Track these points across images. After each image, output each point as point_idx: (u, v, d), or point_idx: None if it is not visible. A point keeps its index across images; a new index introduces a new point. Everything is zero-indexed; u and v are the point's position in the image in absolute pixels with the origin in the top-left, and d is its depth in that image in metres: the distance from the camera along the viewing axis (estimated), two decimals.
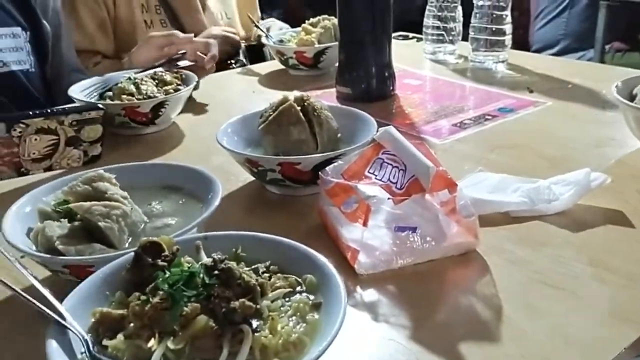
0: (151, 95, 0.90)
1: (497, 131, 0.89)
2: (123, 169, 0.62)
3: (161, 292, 0.40)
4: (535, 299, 0.52)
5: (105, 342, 0.40)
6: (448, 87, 1.12)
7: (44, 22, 1.15)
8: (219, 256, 0.42)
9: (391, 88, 1.05)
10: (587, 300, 0.51)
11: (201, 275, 0.41)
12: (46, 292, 0.42)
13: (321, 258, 0.46)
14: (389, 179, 0.58)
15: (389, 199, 0.55)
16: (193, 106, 1.05)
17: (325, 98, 0.98)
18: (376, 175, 0.60)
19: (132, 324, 0.40)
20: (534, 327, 0.48)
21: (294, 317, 0.42)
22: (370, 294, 0.53)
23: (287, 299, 0.44)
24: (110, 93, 0.92)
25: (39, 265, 0.52)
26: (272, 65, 1.31)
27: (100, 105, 0.77)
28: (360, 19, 0.99)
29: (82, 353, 0.39)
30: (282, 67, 1.26)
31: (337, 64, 1.19)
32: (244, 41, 1.44)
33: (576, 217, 0.63)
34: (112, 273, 0.46)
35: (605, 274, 0.54)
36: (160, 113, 0.91)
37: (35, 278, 0.44)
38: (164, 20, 1.38)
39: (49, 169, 0.72)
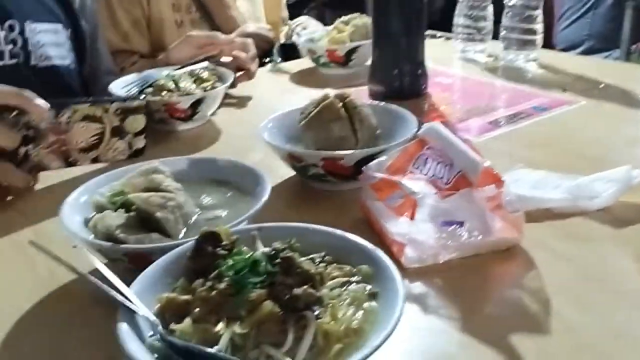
0: (190, 92, 0.92)
1: (532, 130, 0.89)
2: (173, 162, 0.64)
3: (226, 279, 0.41)
4: (582, 294, 0.52)
5: (172, 326, 0.41)
6: (479, 85, 1.13)
7: (83, 22, 1.17)
8: (280, 245, 0.44)
9: (424, 86, 1.06)
10: (632, 294, 0.52)
11: (263, 263, 0.42)
12: (114, 278, 0.43)
13: (375, 249, 0.47)
14: (434, 174, 0.59)
15: (435, 193, 0.56)
16: (227, 103, 1.07)
17: (357, 96, 0.99)
18: (420, 170, 0.61)
19: (197, 309, 0.41)
20: (583, 321, 0.49)
21: (352, 306, 0.43)
22: (418, 287, 0.54)
23: (343, 288, 0.45)
24: (150, 89, 0.94)
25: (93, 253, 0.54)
26: (303, 63, 1.32)
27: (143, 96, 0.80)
28: (395, 17, 1.00)
29: (150, 336, 0.41)
30: (313, 65, 1.27)
31: (367, 63, 1.20)
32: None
33: (618, 214, 0.64)
34: (173, 261, 0.47)
35: None
36: (198, 110, 0.93)
37: (102, 265, 0.46)
38: (195, 20, 1.40)
39: (95, 160, 0.75)
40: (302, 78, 1.23)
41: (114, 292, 0.42)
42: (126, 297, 0.42)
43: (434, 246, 0.56)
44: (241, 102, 1.10)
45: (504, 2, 1.19)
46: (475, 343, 0.47)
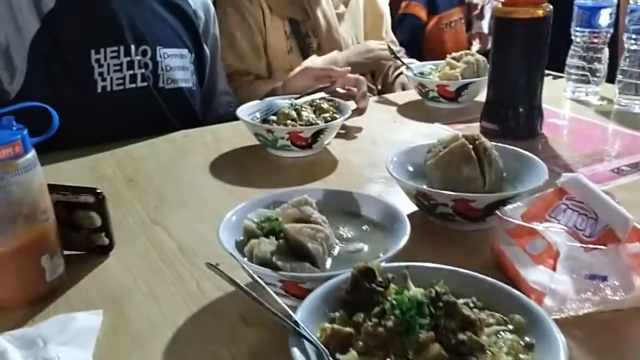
0: (312, 122, 0.97)
1: None
2: (310, 193, 0.67)
3: (393, 317, 0.44)
4: None
5: (338, 355, 0.44)
6: (594, 129, 1.11)
7: (205, 47, 1.25)
8: (441, 289, 0.46)
9: (539, 127, 1.06)
10: None
11: (427, 305, 0.44)
12: (283, 304, 0.47)
13: (529, 300, 0.48)
14: (573, 225, 0.60)
15: (580, 246, 0.56)
16: (339, 132, 1.11)
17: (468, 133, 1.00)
18: (558, 220, 0.61)
19: (362, 343, 0.44)
20: None
21: (509, 356, 0.44)
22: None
23: (499, 337, 0.46)
24: (273, 117, 0.99)
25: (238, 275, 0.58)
26: (408, 95, 1.35)
27: (99, 191, 0.67)
28: (516, 56, 1.01)
29: None
30: (418, 97, 1.29)
31: (476, 99, 1.21)
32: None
33: None
34: (330, 292, 0.50)
35: None
36: (319, 139, 0.97)
37: (267, 288, 0.49)
38: (302, 47, 1.46)
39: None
40: (409, 111, 1.26)
41: (283, 318, 0.45)
42: (295, 322, 0.45)
43: (574, 298, 0.56)
44: (352, 132, 1.13)
45: (625, 45, 1.17)
46: None
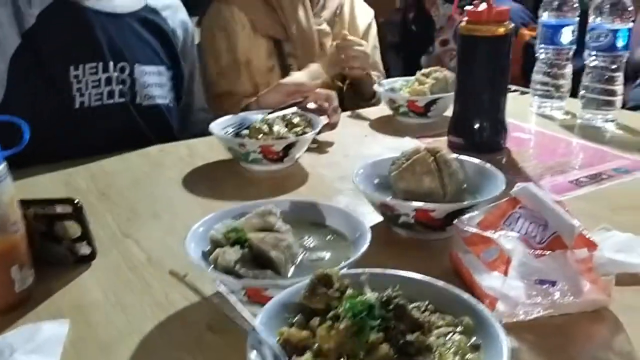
0: (284, 136, 0.99)
1: (615, 191, 0.91)
2: (277, 204, 0.69)
3: (345, 320, 0.46)
4: None
5: (294, 358, 0.46)
6: (557, 142, 1.15)
7: (183, 64, 1.28)
8: (392, 293, 0.48)
9: (503, 141, 1.09)
10: None
11: (378, 308, 0.47)
12: (245, 311, 0.48)
13: (478, 303, 0.50)
14: (525, 233, 0.63)
15: (530, 253, 0.59)
16: (310, 147, 1.13)
17: (445, 150, 1.03)
18: (512, 228, 0.64)
19: (317, 345, 0.46)
20: None
21: (456, 355, 0.46)
22: (509, 341, 0.57)
23: (447, 337, 0.48)
24: (246, 132, 1.02)
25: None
26: (380, 110, 1.38)
27: (76, 200, 0.68)
28: (479, 73, 1.04)
29: None
30: (390, 112, 1.32)
31: (445, 114, 1.25)
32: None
33: None
34: (289, 298, 0.52)
35: None
36: (290, 153, 0.99)
37: (233, 298, 0.51)
38: (284, 66, 1.48)
39: (40, 259, 0.67)
40: (380, 125, 1.29)
41: (246, 322, 0.47)
42: (253, 328, 0.47)
43: (525, 302, 0.59)
44: (324, 146, 1.16)
45: (585, 62, 1.21)
46: None
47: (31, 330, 0.57)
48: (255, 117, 1.06)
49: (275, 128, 1.01)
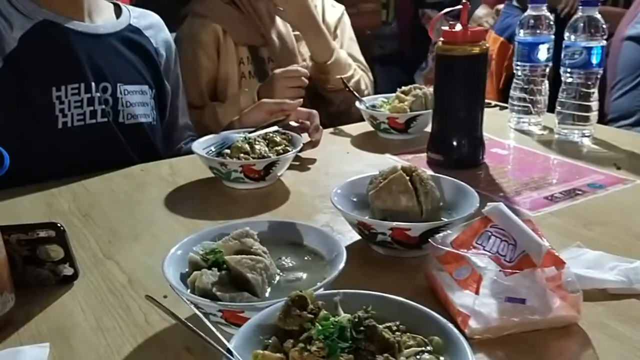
0: (265, 155, 1.01)
1: (588, 207, 0.93)
2: (255, 225, 0.71)
3: (317, 342, 0.47)
4: None
5: None
6: (535, 158, 1.17)
7: (166, 82, 1.29)
8: (363, 314, 0.49)
9: (481, 157, 1.12)
10: None
11: (349, 330, 0.48)
12: (218, 333, 0.50)
13: (447, 323, 0.52)
14: (497, 252, 0.64)
15: (500, 270, 0.61)
16: (293, 164, 1.15)
17: (415, 162, 1.05)
18: (484, 247, 0.66)
19: None
20: None
21: None
22: (481, 358, 0.58)
23: (417, 357, 0.50)
24: (227, 151, 1.03)
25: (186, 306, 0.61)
26: (362, 127, 1.40)
27: (59, 224, 0.70)
28: (456, 91, 1.07)
29: None
30: (371, 129, 1.35)
31: (425, 129, 1.27)
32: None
33: None
34: (264, 320, 0.53)
35: None
36: (271, 171, 1.01)
37: (212, 315, 0.52)
38: (252, 71, 1.50)
39: (21, 283, 0.69)
40: (363, 142, 1.31)
41: (219, 346, 0.48)
42: (228, 350, 0.48)
43: (497, 319, 0.61)
44: (306, 163, 1.17)
45: (562, 79, 1.24)
46: None
47: (11, 354, 0.58)
48: (237, 136, 1.07)
49: (257, 147, 1.02)
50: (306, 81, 1.40)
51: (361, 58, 1.65)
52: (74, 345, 0.63)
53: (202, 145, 1.06)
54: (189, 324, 0.52)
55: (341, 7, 1.67)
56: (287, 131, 1.12)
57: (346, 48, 1.60)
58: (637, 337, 0.61)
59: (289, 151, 1.04)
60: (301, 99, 1.23)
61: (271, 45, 1.50)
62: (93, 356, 0.61)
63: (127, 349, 0.62)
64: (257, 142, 1.04)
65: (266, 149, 1.03)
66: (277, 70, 1.40)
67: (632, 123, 2.26)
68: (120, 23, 1.23)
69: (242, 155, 1.00)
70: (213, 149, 1.06)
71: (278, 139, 1.07)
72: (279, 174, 1.05)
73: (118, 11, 1.26)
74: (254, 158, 1.00)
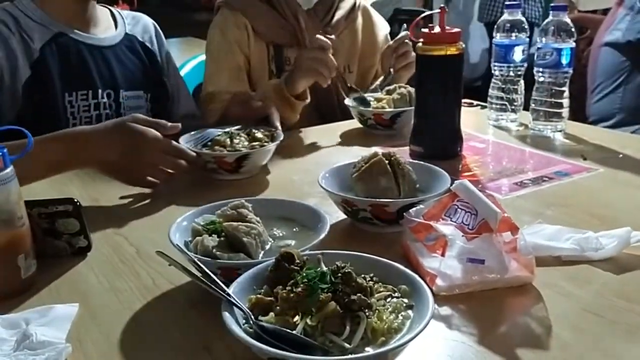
0: (240, 148, 1.08)
1: (553, 191, 1.02)
2: (250, 201, 0.80)
3: (302, 285, 0.56)
4: (579, 322, 0.65)
5: (260, 317, 0.56)
6: (509, 150, 1.27)
7: (167, 82, 1.41)
8: (341, 264, 0.58)
9: (458, 149, 1.21)
10: (622, 325, 0.64)
11: (328, 275, 0.57)
12: (219, 283, 0.58)
13: (413, 274, 0.61)
14: (462, 221, 0.73)
15: (462, 236, 0.70)
16: (288, 155, 1.24)
17: (400, 154, 1.14)
18: (451, 218, 0.75)
19: (279, 307, 0.56)
20: (577, 341, 0.61)
21: (393, 313, 0.57)
22: (445, 310, 0.67)
23: (387, 300, 0.59)
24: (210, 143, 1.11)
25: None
26: (351, 124, 1.49)
27: (75, 200, 0.78)
28: (434, 90, 1.16)
29: (244, 323, 0.56)
30: (359, 125, 1.44)
31: (410, 125, 1.36)
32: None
33: (619, 264, 0.76)
34: (258, 273, 0.62)
35: None
36: (244, 164, 1.07)
37: (212, 273, 0.61)
38: (279, 69, 1.54)
39: (39, 254, 0.76)
40: (351, 137, 1.40)
41: (219, 291, 0.57)
42: (227, 295, 0.57)
43: (460, 278, 0.70)
44: (300, 153, 1.27)
45: (535, 78, 1.34)
46: (490, 353, 0.60)
47: (44, 309, 0.67)
48: (222, 131, 1.14)
49: (235, 141, 1.10)
50: (334, 61, 1.32)
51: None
52: (91, 303, 0.71)
53: (187, 139, 1.12)
54: (195, 272, 0.60)
55: (387, 27, 1.73)
56: (271, 128, 1.18)
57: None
58: (583, 294, 0.70)
59: (265, 146, 1.10)
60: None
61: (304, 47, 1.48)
62: (108, 311, 0.70)
63: (138, 305, 0.70)
64: (237, 137, 1.11)
65: (245, 143, 1.10)
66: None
67: (611, 125, 2.36)
68: (119, 34, 1.38)
69: (217, 147, 1.08)
70: (200, 144, 1.11)
71: (260, 135, 1.13)
72: (258, 166, 1.11)
73: (112, 16, 1.40)
74: (228, 151, 1.07)
